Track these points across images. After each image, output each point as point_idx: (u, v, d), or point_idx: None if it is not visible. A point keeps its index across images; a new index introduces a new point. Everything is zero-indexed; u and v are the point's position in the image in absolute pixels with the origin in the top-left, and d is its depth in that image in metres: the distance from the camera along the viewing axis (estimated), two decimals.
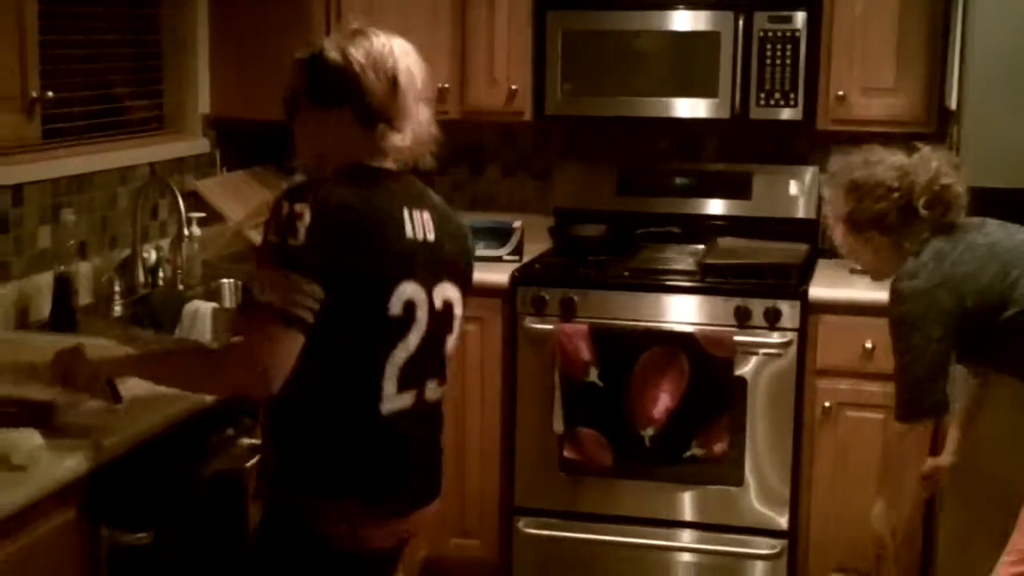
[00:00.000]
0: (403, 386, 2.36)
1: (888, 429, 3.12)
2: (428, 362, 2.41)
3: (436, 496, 2.52)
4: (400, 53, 2.37)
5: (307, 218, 2.20)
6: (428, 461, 2.50)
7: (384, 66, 2.34)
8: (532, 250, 4.37)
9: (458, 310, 2.46)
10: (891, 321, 2.94)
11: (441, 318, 2.41)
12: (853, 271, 4.10)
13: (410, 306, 2.34)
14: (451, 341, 2.46)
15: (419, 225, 2.37)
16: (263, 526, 2.47)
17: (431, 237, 2.39)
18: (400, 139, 2.35)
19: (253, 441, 2.94)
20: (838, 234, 3.08)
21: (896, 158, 3.00)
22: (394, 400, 2.35)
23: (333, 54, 2.35)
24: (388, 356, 2.33)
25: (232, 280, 3.78)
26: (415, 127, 2.36)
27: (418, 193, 2.42)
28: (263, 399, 2.35)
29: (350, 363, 2.32)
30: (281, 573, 2.38)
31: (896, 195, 2.94)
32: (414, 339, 2.35)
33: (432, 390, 2.44)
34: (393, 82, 2.33)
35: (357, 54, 2.34)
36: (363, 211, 2.28)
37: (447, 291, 2.42)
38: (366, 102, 2.33)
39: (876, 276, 3.09)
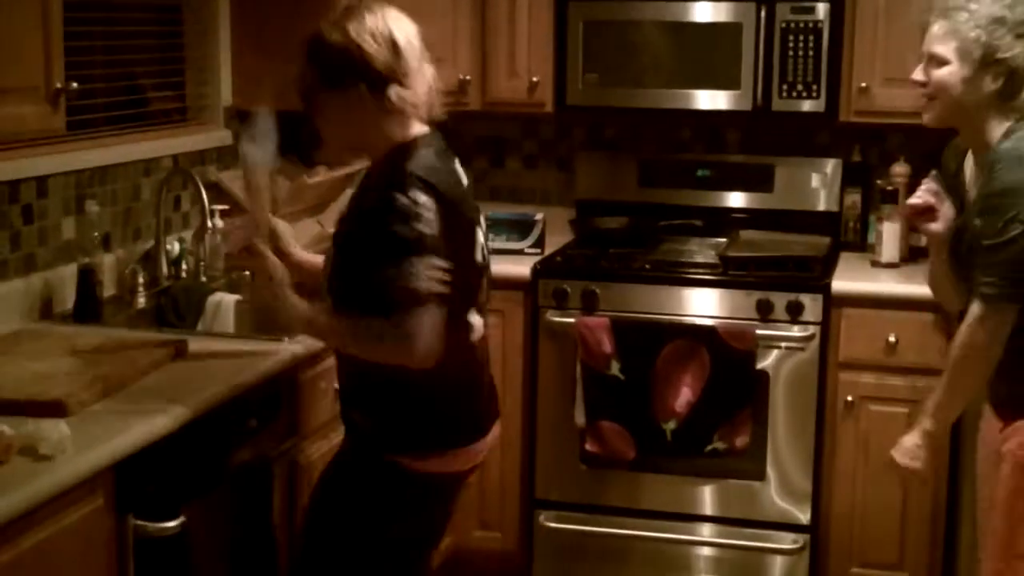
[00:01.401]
0: (479, 319, 2.66)
1: (964, 324, 2.73)
2: (486, 303, 2.71)
3: (499, 414, 2.82)
4: (392, 20, 2.53)
5: (431, 204, 2.43)
6: (493, 381, 2.82)
7: (381, 32, 2.50)
8: (554, 242, 4.36)
9: (487, 250, 2.72)
10: (994, 191, 2.67)
11: (487, 261, 2.69)
12: (875, 264, 4.10)
13: (483, 250, 2.65)
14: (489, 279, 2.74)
15: (463, 172, 2.65)
16: (358, 475, 2.68)
17: (469, 181, 2.67)
18: (412, 95, 2.53)
19: (275, 433, 2.95)
20: (952, 66, 2.73)
21: None
22: (476, 332, 2.65)
23: (334, 35, 2.51)
24: (476, 299, 2.63)
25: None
26: (423, 83, 2.56)
27: (446, 145, 2.63)
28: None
29: (454, 315, 2.55)
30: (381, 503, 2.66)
31: None
32: (486, 279, 2.68)
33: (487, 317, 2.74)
34: (392, 44, 2.50)
35: (353, 28, 2.50)
36: (450, 180, 2.55)
37: (483, 233, 2.68)
38: (374, 68, 2.49)
39: (939, 120, 2.82)
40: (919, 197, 2.87)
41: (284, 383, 3.01)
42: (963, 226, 2.79)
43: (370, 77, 2.49)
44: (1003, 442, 2.77)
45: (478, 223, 2.64)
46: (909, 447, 2.83)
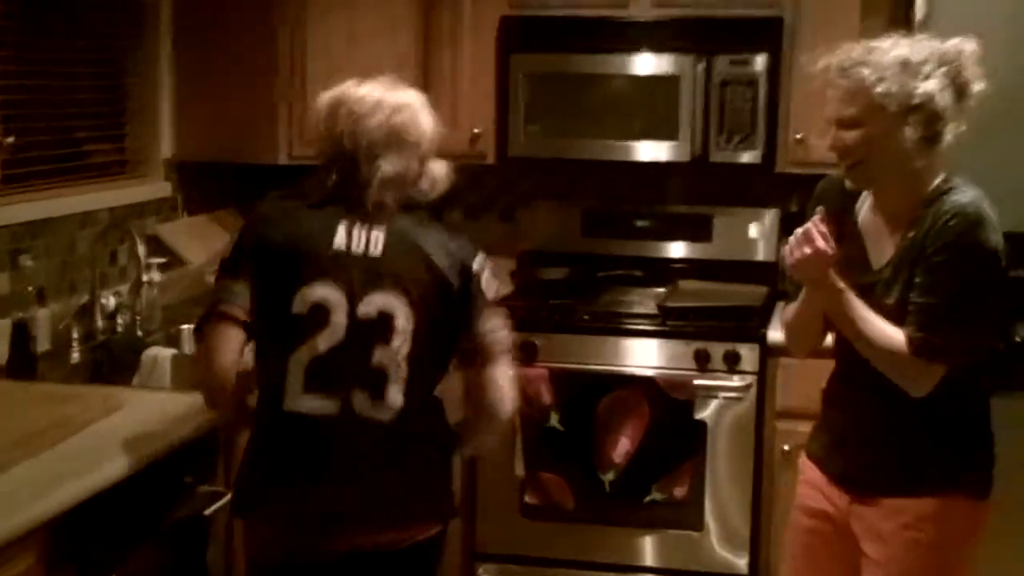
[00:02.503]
0: (312, 388, 2.47)
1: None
2: (350, 370, 2.49)
3: (371, 520, 2.52)
4: (350, 108, 2.59)
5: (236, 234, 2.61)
6: (355, 477, 2.51)
7: (331, 127, 2.59)
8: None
9: (402, 322, 2.49)
10: (972, 246, 2.52)
11: (370, 327, 2.48)
12: None
13: (319, 308, 2.47)
14: (385, 352, 2.48)
15: (358, 239, 2.51)
16: None
17: (374, 251, 2.51)
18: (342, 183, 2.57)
19: (213, 488, 2.93)
20: (866, 127, 2.54)
21: (938, 41, 2.58)
22: (300, 400, 2.47)
23: None
24: (291, 354, 2.47)
25: (192, 326, 3.76)
26: (361, 175, 2.54)
27: (375, 214, 2.54)
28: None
29: (264, 360, 2.54)
30: None
31: (945, 70, 2.53)
32: (323, 342, 2.47)
33: (363, 403, 2.48)
34: (335, 141, 2.57)
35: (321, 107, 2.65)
36: (273, 221, 2.55)
37: (385, 302, 2.49)
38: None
39: (867, 183, 2.65)
40: (825, 247, 2.58)
41: (221, 439, 2.99)
42: (891, 277, 2.62)
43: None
44: (861, 518, 2.68)
45: (328, 281, 2.47)
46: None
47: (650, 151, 4.22)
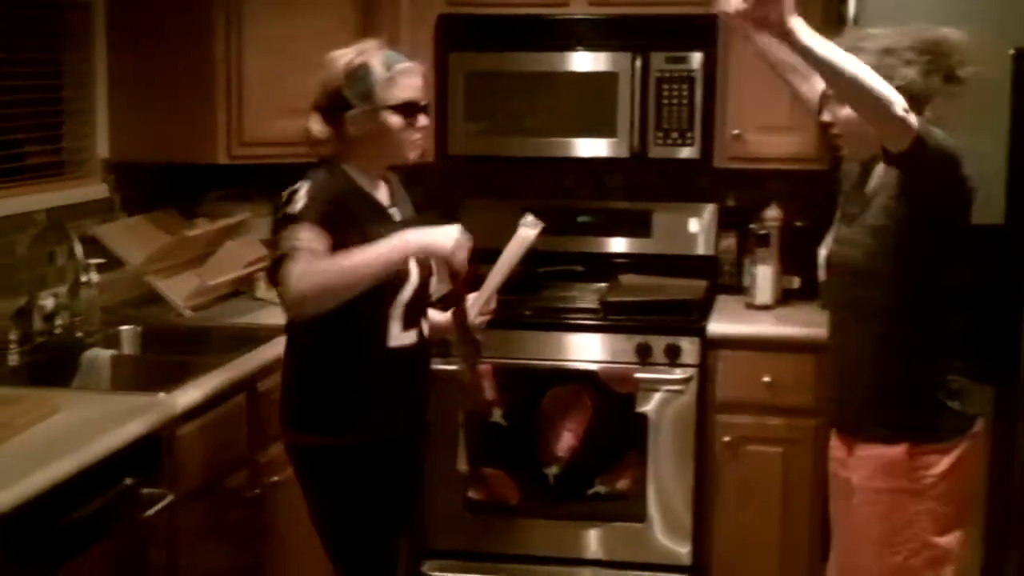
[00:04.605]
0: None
1: None
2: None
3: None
4: None
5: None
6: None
7: None
8: (437, 289, 4.37)
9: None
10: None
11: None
12: (750, 306, 4.19)
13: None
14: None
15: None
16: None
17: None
18: None
19: (153, 490, 2.92)
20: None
21: (926, 30, 2.84)
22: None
23: None
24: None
25: (132, 326, 3.74)
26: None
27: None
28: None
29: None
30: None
31: (928, 57, 2.78)
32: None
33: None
34: None
35: None
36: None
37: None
38: None
39: (856, 154, 2.93)
40: None
41: (163, 439, 2.98)
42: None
43: None
44: (847, 469, 2.89)
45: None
46: None
47: (589, 148, 4.25)
